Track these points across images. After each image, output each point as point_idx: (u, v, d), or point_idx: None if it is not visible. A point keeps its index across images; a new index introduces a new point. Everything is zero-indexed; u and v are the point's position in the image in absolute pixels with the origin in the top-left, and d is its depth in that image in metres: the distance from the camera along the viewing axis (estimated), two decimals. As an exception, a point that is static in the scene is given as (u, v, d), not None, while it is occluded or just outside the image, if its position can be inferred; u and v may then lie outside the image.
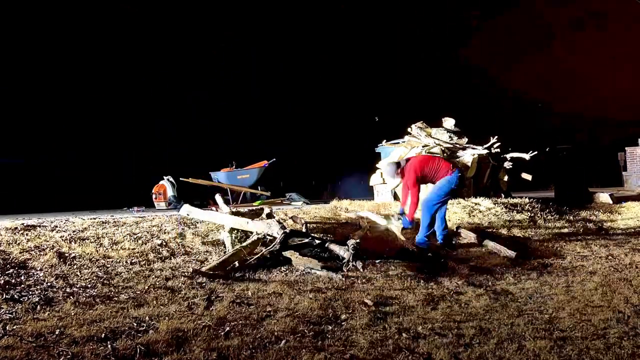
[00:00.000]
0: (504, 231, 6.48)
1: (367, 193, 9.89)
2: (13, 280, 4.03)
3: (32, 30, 14.02)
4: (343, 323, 3.35)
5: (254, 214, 6.01)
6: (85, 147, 14.26)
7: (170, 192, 9.93)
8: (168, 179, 10.12)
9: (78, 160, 13.83)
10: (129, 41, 15.73)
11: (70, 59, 14.51)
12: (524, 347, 2.95)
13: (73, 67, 14.48)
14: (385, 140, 9.85)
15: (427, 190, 6.16)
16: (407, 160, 6.10)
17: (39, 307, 3.53)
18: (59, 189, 11.84)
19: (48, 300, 3.67)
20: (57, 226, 5.73)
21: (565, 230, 6.79)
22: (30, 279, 4.10)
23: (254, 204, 9.83)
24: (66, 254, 4.73)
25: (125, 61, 15.53)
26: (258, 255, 4.76)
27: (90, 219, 6.31)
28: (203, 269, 4.36)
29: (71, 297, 3.76)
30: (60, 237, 5.23)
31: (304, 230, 5.48)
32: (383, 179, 8.98)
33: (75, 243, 5.05)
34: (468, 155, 8.70)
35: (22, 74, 13.63)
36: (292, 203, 10.10)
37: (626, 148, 15.26)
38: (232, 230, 5.33)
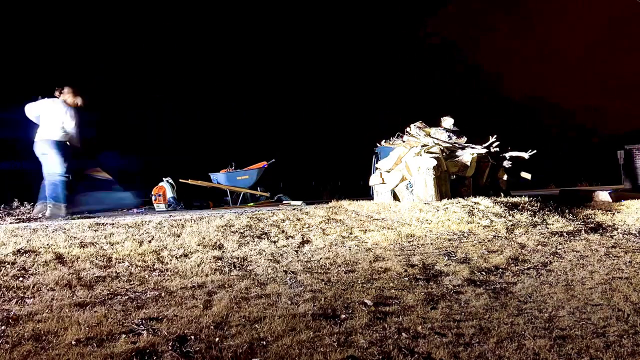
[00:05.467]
0: (503, 231, 6.48)
1: (367, 193, 9.89)
2: (12, 283, 4.03)
3: (29, 30, 14.01)
4: (343, 323, 3.35)
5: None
6: (84, 148, 14.23)
7: (169, 194, 9.93)
8: (167, 181, 10.12)
9: (77, 162, 13.81)
10: (127, 40, 15.73)
11: (67, 58, 14.51)
12: (524, 346, 2.95)
13: (71, 67, 14.48)
14: (384, 140, 9.86)
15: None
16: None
17: (38, 309, 3.53)
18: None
19: (47, 303, 3.67)
20: (56, 228, 5.72)
21: (565, 228, 6.79)
22: (29, 281, 4.10)
23: (246, 205, 9.84)
24: (65, 256, 4.72)
25: (123, 60, 15.52)
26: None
27: (90, 220, 6.31)
28: None
29: (70, 298, 3.76)
30: (60, 238, 5.22)
31: None
32: (382, 179, 8.98)
33: (74, 244, 5.05)
34: (467, 155, 8.71)
35: (19, 74, 13.63)
36: (292, 203, 10.11)
37: (625, 146, 15.28)
38: None
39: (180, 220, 6.33)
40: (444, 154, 8.64)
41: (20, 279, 4.14)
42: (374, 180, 9.18)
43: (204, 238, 5.56)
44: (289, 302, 3.75)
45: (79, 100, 7.03)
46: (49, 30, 14.13)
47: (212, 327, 3.22)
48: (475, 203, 7.55)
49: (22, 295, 3.80)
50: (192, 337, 3.06)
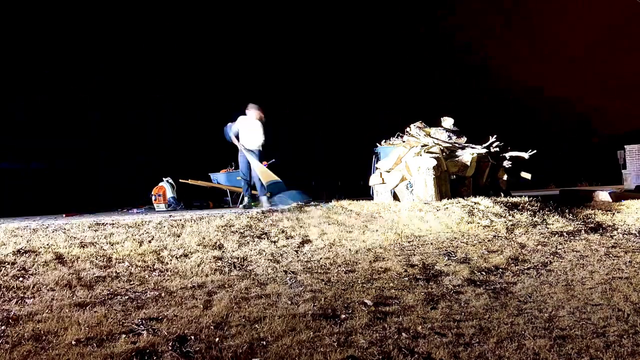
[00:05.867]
0: (503, 231, 6.49)
1: (367, 193, 9.88)
2: (12, 283, 4.03)
3: (28, 28, 14.02)
4: (343, 323, 3.35)
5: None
6: (84, 148, 14.26)
7: (169, 194, 9.93)
8: (167, 181, 10.12)
9: (77, 162, 13.83)
10: (127, 40, 15.74)
11: (67, 57, 14.51)
12: (524, 346, 2.95)
13: (70, 67, 14.48)
14: (384, 140, 9.85)
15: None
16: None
17: (38, 309, 3.53)
18: (59, 192, 11.85)
19: (47, 303, 3.67)
20: (56, 228, 5.72)
21: (565, 229, 6.79)
22: (29, 281, 4.10)
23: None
24: (65, 256, 4.72)
25: (122, 60, 15.53)
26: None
27: (90, 220, 6.31)
28: None
29: (70, 298, 3.76)
30: (60, 238, 5.23)
31: None
32: (382, 179, 8.99)
33: (74, 245, 5.05)
34: (467, 155, 8.71)
35: (18, 75, 13.63)
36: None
37: (625, 146, 15.30)
38: None
39: (180, 220, 6.33)
40: (444, 154, 8.64)
41: (20, 279, 4.14)
42: (374, 180, 9.18)
43: (204, 238, 5.56)
44: (289, 302, 3.75)
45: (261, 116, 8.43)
46: (49, 30, 14.14)
47: (212, 327, 3.22)
48: (475, 203, 7.55)
49: (22, 295, 3.80)
50: (192, 337, 3.06)
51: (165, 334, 3.08)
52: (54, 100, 14.18)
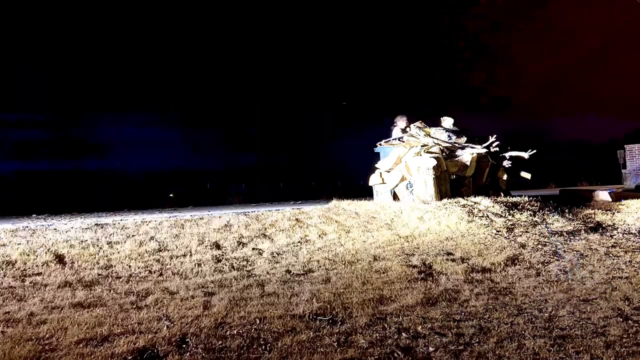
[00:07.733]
0: (503, 230, 6.48)
1: (367, 193, 9.88)
2: (13, 283, 4.03)
3: (36, 30, 14.03)
4: (342, 323, 3.35)
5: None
6: (85, 149, 14.27)
7: None
8: None
9: (78, 163, 13.84)
10: (126, 38, 15.76)
11: (67, 57, 14.51)
12: (524, 346, 2.95)
13: (72, 67, 14.48)
14: (384, 140, 9.84)
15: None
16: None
17: (38, 309, 3.53)
18: (60, 193, 11.86)
19: (47, 303, 3.66)
20: (57, 229, 5.72)
21: (565, 228, 6.79)
22: (30, 281, 4.10)
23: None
24: (66, 257, 4.72)
25: (123, 60, 15.53)
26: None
27: (90, 221, 6.31)
28: None
29: (71, 299, 3.76)
30: (61, 239, 5.22)
31: None
32: (382, 179, 8.98)
33: (75, 245, 5.05)
34: (467, 155, 8.70)
35: (20, 75, 13.63)
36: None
37: (625, 146, 15.28)
38: None
39: (180, 220, 6.33)
40: (443, 154, 8.64)
41: (21, 279, 4.14)
42: (374, 180, 9.17)
43: (203, 238, 5.56)
44: (289, 302, 3.75)
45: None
46: (50, 32, 14.16)
47: (212, 327, 3.22)
48: (475, 203, 7.55)
49: (22, 295, 3.80)
50: (192, 337, 3.06)
51: (165, 334, 3.08)
52: (50, 99, 14.19)
